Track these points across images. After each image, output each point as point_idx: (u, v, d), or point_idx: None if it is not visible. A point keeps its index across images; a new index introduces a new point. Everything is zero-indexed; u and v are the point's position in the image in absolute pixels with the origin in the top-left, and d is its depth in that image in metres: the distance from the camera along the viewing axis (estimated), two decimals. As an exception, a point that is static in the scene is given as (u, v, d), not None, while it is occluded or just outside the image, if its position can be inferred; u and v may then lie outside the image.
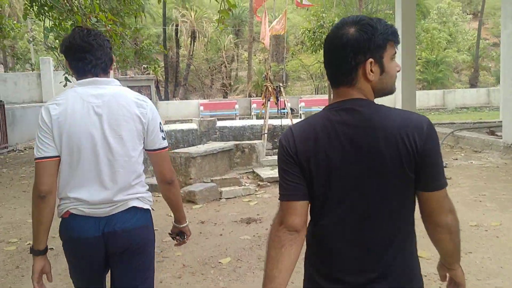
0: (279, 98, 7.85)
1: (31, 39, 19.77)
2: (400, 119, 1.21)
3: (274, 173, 6.68)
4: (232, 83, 32.86)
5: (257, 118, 18.25)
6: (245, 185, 6.44)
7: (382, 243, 1.24)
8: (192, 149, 6.53)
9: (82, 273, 1.87)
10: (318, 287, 1.32)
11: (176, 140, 10.69)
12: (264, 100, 7.84)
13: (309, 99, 19.46)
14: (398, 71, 1.30)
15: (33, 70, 21.66)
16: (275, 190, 6.23)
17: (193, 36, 29.69)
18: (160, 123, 1.88)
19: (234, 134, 11.17)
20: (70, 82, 9.47)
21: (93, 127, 1.74)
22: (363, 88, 1.25)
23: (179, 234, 2.11)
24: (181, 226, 2.07)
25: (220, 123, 11.24)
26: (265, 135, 7.77)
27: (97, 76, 1.80)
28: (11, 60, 33.14)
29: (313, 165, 1.25)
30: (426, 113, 18.55)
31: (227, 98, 29.19)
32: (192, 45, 29.63)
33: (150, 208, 1.91)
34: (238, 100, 20.41)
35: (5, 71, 24.25)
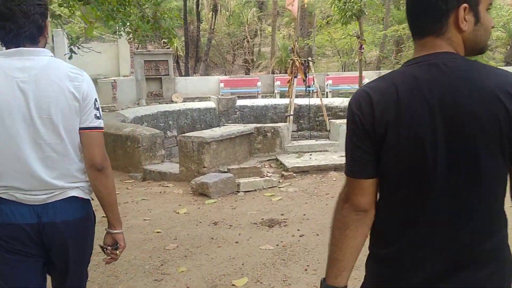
0: (307, 74, 6.88)
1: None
2: (499, 78, 1.02)
3: (301, 161, 5.78)
4: (254, 59, 31.75)
5: (281, 96, 17.25)
6: (267, 176, 5.58)
7: (472, 224, 1.05)
8: (207, 133, 5.67)
9: (11, 270, 1.63)
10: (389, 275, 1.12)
11: (193, 119, 9.87)
12: (290, 76, 6.87)
13: (336, 76, 18.31)
14: (493, 27, 1.11)
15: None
16: (302, 182, 5.34)
17: (214, 10, 28.57)
18: (96, 99, 1.66)
19: (255, 114, 10.29)
20: (76, 54, 8.70)
21: (18, 106, 1.55)
22: (453, 39, 1.07)
23: (112, 244, 1.77)
24: (114, 232, 1.77)
25: (240, 102, 10.37)
26: (291, 116, 6.82)
27: (22, 47, 1.58)
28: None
29: (394, 134, 1.05)
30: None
31: (249, 74, 28.20)
32: (213, 19, 28.52)
33: (90, 198, 1.74)
34: (260, 76, 19.38)
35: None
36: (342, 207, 1.16)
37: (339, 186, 4.41)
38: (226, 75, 27.66)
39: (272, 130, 6.16)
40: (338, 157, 5.93)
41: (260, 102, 10.44)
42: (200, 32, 29.28)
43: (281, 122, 10.39)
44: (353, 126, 1.11)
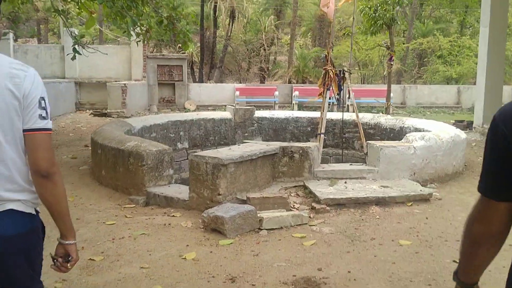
0: (342, 87, 5.94)
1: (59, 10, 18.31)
2: None
3: (335, 191, 4.81)
4: (270, 68, 30.92)
5: (299, 108, 16.31)
6: (293, 207, 4.62)
7: None
8: (223, 153, 4.73)
9: None
10: None
11: (206, 131, 8.95)
12: (322, 88, 5.93)
13: (357, 89, 17.32)
14: None
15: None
16: (338, 220, 4.36)
17: (232, 16, 27.85)
18: (43, 97, 1.53)
19: (274, 127, 9.34)
20: (80, 54, 7.84)
21: None
22: None
23: (63, 256, 1.63)
24: (66, 242, 1.63)
25: (258, 113, 9.42)
26: (322, 135, 5.85)
27: None
28: (44, 33, 32.43)
29: None
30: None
31: (264, 83, 27.39)
32: (230, 25, 27.78)
33: (34, 212, 1.58)
34: (278, 86, 18.48)
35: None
36: (472, 225, 1.15)
37: (385, 228, 3.25)
38: (240, 82, 26.88)
39: (301, 151, 5.21)
40: (379, 188, 4.95)
41: (280, 114, 9.49)
42: (216, 39, 28.56)
43: (303, 136, 9.45)
44: (499, 141, 1.06)
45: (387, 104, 10.96)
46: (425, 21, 28.44)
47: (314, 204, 4.64)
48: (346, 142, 8.89)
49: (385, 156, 5.27)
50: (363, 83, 24.73)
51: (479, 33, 29.02)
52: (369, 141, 5.54)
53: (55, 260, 1.65)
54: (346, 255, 3.52)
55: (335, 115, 9.14)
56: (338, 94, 5.84)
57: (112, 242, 3.85)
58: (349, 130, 8.81)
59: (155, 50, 28.50)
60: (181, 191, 4.97)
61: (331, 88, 5.84)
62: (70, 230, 1.64)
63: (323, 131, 5.82)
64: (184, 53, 23.13)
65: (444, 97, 17.92)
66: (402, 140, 5.64)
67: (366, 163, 5.55)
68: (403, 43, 25.20)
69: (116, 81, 15.33)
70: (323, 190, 4.85)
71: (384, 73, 13.87)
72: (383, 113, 13.32)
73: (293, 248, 3.67)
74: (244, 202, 4.62)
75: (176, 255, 3.53)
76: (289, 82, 23.68)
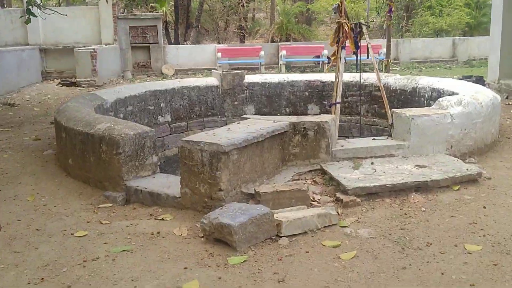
0: (359, 44, 4.90)
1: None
2: None
3: (363, 176, 3.85)
4: (249, 26, 29.31)
5: (287, 69, 15.19)
6: (314, 200, 3.67)
7: None
8: (222, 136, 3.69)
9: None
10: None
11: (190, 101, 7.83)
12: (335, 46, 4.87)
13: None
14: None
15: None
16: (374, 216, 3.42)
17: (206, -30, 25.95)
18: None
19: (268, 93, 8.27)
20: (36, 16, 6.52)
21: None
22: None
23: None
24: None
25: (249, 78, 8.32)
26: (338, 105, 4.84)
27: None
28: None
29: None
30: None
31: (244, 42, 25.95)
32: (205, -19, 25.91)
33: None
34: (263, 45, 17.21)
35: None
36: None
37: (439, 226, 2.11)
38: (219, 42, 25.38)
39: (316, 127, 4.21)
40: (415, 168, 4.02)
41: (273, 78, 8.41)
42: (192, -4, 26.72)
43: (300, 103, 8.43)
44: None
45: (387, 61, 9.95)
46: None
47: (339, 195, 3.68)
48: (349, 107, 7.93)
49: (417, 127, 4.32)
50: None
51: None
52: (395, 110, 4.57)
53: None
54: (403, 274, 2.60)
55: (331, 77, 8.09)
56: (354, 53, 4.82)
57: (83, 266, 2.86)
58: (352, 93, 7.84)
59: (125, 11, 26.58)
60: (169, 185, 3.95)
61: (346, 44, 4.78)
62: None
63: (338, 99, 4.80)
64: (158, 12, 21.43)
65: (438, 51, 16.99)
66: (434, 106, 4.69)
67: (391, 136, 4.60)
68: (389, -5, 23.89)
69: (84, 46, 13.87)
70: (347, 175, 3.89)
71: (384, 26, 12.77)
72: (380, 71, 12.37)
73: (329, 265, 2.73)
74: (251, 196, 3.65)
75: (173, 286, 2.56)
76: (272, 40, 22.35)
